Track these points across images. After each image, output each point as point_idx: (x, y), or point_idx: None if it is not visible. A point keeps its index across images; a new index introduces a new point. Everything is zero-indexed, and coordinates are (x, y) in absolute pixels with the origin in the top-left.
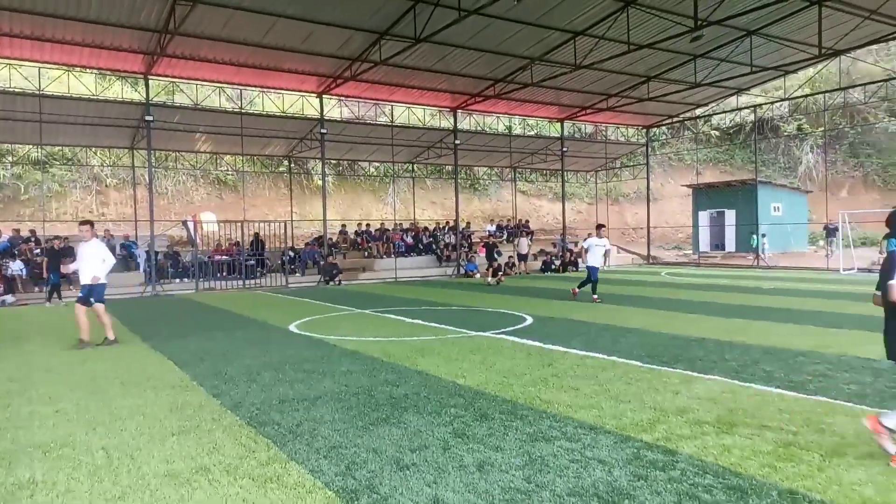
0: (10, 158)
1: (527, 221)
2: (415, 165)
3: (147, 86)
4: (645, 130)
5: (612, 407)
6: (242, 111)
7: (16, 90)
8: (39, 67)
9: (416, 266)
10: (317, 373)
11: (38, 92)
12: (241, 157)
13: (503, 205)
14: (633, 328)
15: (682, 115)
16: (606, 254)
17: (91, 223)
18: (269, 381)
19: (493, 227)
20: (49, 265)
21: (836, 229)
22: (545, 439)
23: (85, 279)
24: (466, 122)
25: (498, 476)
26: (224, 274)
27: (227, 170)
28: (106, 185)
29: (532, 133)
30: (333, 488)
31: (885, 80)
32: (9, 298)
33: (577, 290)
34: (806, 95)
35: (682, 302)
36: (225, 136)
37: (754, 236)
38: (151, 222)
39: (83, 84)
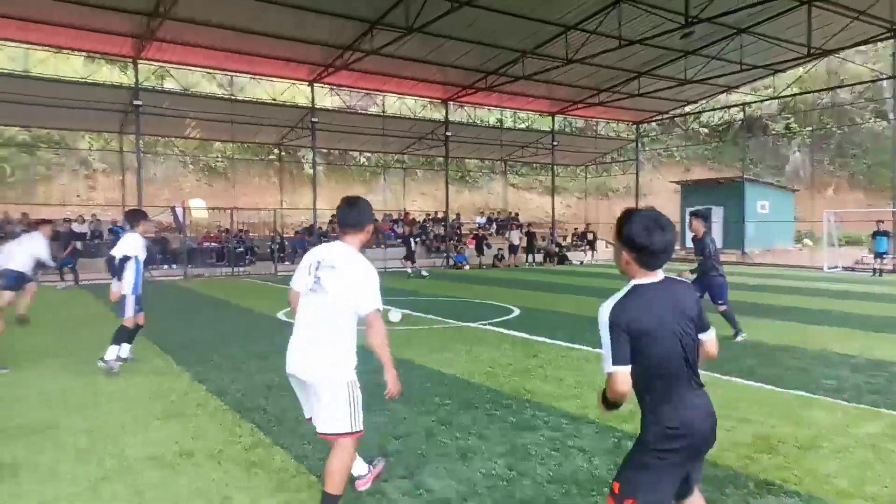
0: None
1: (516, 214)
2: (406, 156)
3: (136, 70)
4: (635, 126)
5: (594, 397)
6: (233, 98)
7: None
8: (26, 48)
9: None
10: None
11: (23, 73)
12: (231, 145)
13: (493, 197)
14: None
15: (671, 112)
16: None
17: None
18: (256, 369)
19: (483, 220)
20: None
21: None
22: (528, 428)
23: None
24: (458, 114)
25: (480, 463)
26: (213, 261)
27: (217, 157)
28: (94, 170)
29: (523, 126)
30: (317, 473)
31: (872, 81)
32: None
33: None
34: (794, 95)
35: None
36: (215, 123)
37: None
38: (140, 208)
39: (71, 67)
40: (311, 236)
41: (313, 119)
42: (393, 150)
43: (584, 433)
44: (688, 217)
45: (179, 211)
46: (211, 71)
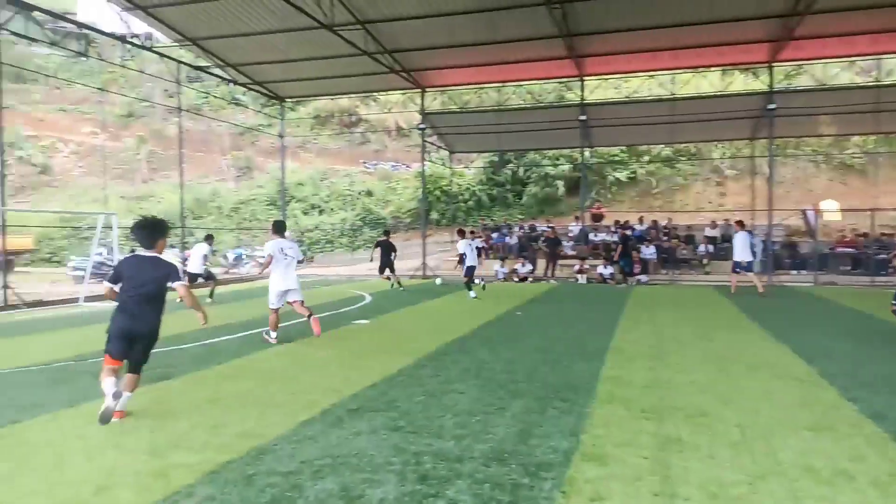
0: (645, 158)
1: None
2: None
3: (771, 74)
4: None
5: None
6: (879, 83)
7: (651, 98)
8: (672, 74)
9: None
10: None
11: (669, 96)
12: (872, 137)
13: None
14: None
15: None
16: None
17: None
18: None
19: None
20: (621, 252)
21: None
22: None
23: None
24: None
25: None
26: (847, 268)
27: (855, 152)
28: (725, 177)
29: None
30: None
31: None
32: (643, 278)
33: None
34: None
35: None
36: (853, 115)
37: None
38: (770, 212)
39: (708, 82)
40: None
41: None
42: None
43: None
44: None
45: (811, 214)
46: (852, 59)
